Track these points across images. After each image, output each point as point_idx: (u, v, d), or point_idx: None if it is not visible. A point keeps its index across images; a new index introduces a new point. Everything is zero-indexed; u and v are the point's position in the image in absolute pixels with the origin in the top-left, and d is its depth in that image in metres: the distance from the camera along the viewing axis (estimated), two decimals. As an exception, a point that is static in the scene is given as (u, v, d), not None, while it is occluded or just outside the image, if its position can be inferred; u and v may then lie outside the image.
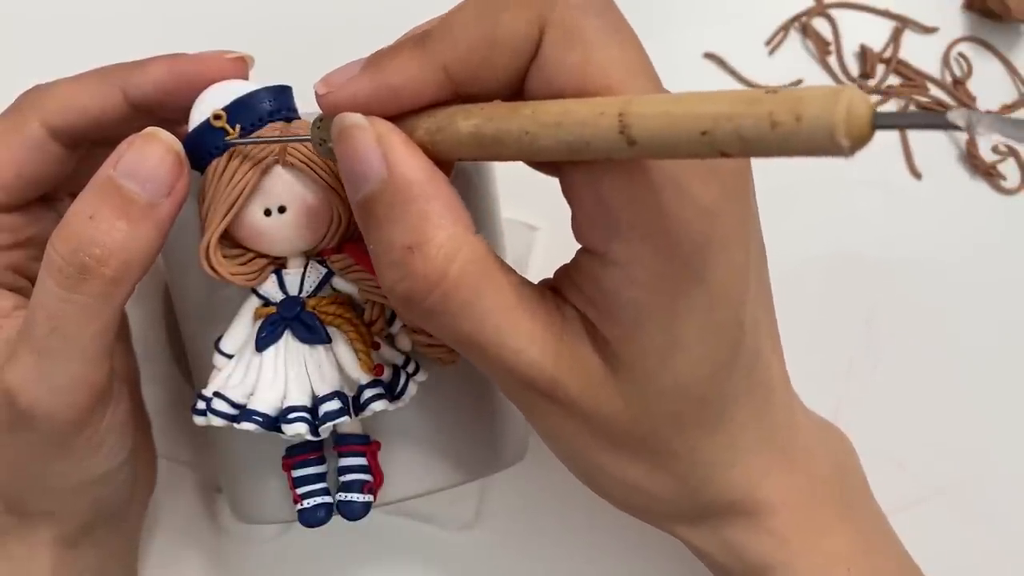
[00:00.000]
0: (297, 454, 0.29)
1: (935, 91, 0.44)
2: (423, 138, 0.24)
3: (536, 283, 0.26)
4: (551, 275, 0.27)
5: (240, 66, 0.29)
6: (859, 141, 0.17)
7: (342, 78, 0.24)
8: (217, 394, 0.27)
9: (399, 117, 0.24)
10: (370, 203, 0.24)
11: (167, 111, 0.29)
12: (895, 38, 0.44)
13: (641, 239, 0.23)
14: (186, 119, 0.27)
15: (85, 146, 0.31)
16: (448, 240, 0.24)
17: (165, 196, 0.26)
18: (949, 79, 0.44)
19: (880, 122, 0.17)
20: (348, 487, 0.28)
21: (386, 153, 0.24)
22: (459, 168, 0.31)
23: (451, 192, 0.24)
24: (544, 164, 0.28)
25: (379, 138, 0.24)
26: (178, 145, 0.26)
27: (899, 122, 0.18)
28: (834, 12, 0.44)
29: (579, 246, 0.26)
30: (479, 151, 0.23)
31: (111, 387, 0.28)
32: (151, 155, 0.26)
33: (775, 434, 0.28)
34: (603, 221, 0.24)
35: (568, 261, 0.26)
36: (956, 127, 0.17)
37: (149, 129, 0.26)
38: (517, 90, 0.24)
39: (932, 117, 0.18)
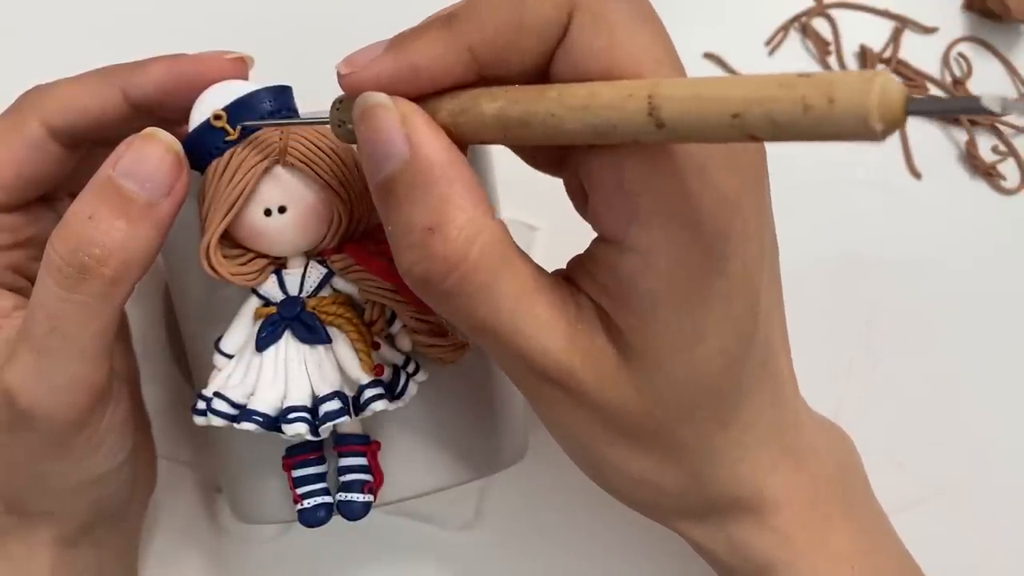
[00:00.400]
0: (297, 454, 0.29)
1: (935, 91, 0.44)
2: (445, 120, 0.24)
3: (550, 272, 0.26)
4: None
5: (240, 66, 0.29)
6: (892, 125, 0.17)
7: (365, 58, 0.24)
8: (217, 394, 0.27)
9: (421, 98, 0.24)
10: (391, 183, 0.24)
11: (167, 111, 0.29)
12: (895, 38, 0.44)
13: (661, 226, 0.23)
14: (186, 119, 0.27)
15: (85, 146, 0.31)
16: (468, 223, 0.23)
17: (164, 196, 0.26)
18: (949, 79, 0.44)
19: (913, 107, 0.17)
20: (348, 487, 0.28)
21: (409, 134, 0.23)
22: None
23: (472, 175, 0.24)
24: (546, 164, 0.28)
25: (403, 118, 0.24)
26: (177, 145, 0.26)
27: (931, 107, 0.18)
28: (834, 12, 0.44)
29: (583, 245, 0.26)
30: (503, 133, 0.23)
31: (111, 387, 0.28)
32: (150, 155, 0.26)
33: (783, 431, 0.28)
34: (623, 207, 0.24)
35: (570, 258, 0.26)
36: (990, 112, 0.17)
37: (148, 129, 0.26)
38: (542, 73, 0.24)
39: (965, 101, 0.18)
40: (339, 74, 0.25)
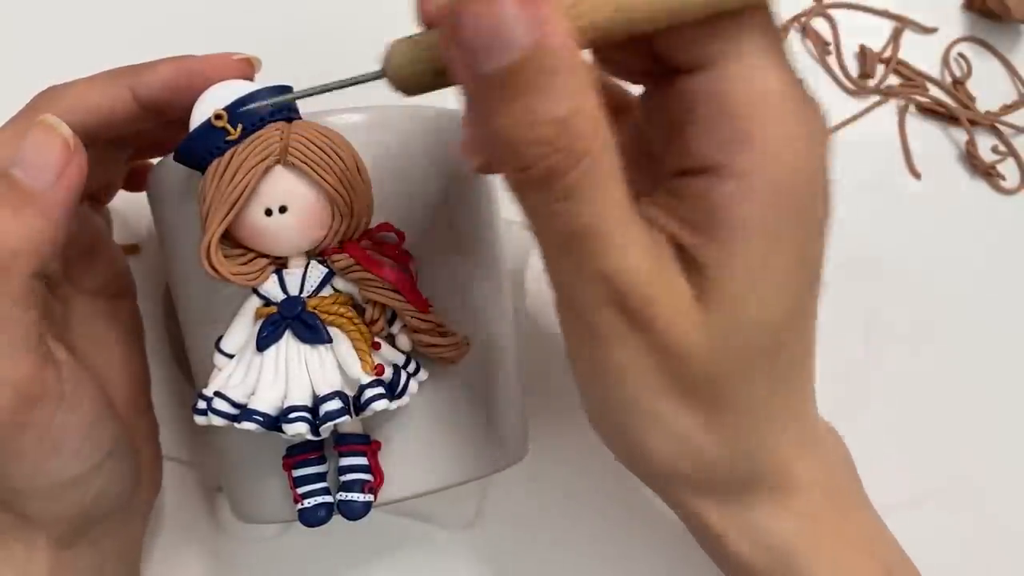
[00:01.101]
0: (298, 454, 0.29)
1: (935, 91, 0.44)
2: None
3: None
4: (550, 278, 0.27)
5: (246, 67, 0.29)
6: None
7: None
8: (218, 394, 0.27)
9: None
10: (510, 74, 0.21)
11: (175, 110, 0.29)
12: (895, 38, 0.44)
13: (764, 152, 0.23)
14: (195, 119, 0.27)
15: (98, 145, 0.31)
16: (594, 111, 0.22)
17: (53, 182, 0.26)
18: (949, 79, 0.44)
19: None
20: (348, 487, 0.28)
21: (535, 17, 0.21)
22: (459, 169, 0.31)
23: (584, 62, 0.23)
24: (640, 74, 0.27)
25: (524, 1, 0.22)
26: (66, 129, 0.26)
27: None
28: (834, 12, 0.44)
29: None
30: (617, 15, 0.22)
31: (50, 388, 0.28)
32: (38, 142, 0.26)
33: (807, 412, 0.27)
34: (729, 129, 0.23)
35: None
36: None
37: (41, 117, 0.26)
38: None
39: None
40: None
